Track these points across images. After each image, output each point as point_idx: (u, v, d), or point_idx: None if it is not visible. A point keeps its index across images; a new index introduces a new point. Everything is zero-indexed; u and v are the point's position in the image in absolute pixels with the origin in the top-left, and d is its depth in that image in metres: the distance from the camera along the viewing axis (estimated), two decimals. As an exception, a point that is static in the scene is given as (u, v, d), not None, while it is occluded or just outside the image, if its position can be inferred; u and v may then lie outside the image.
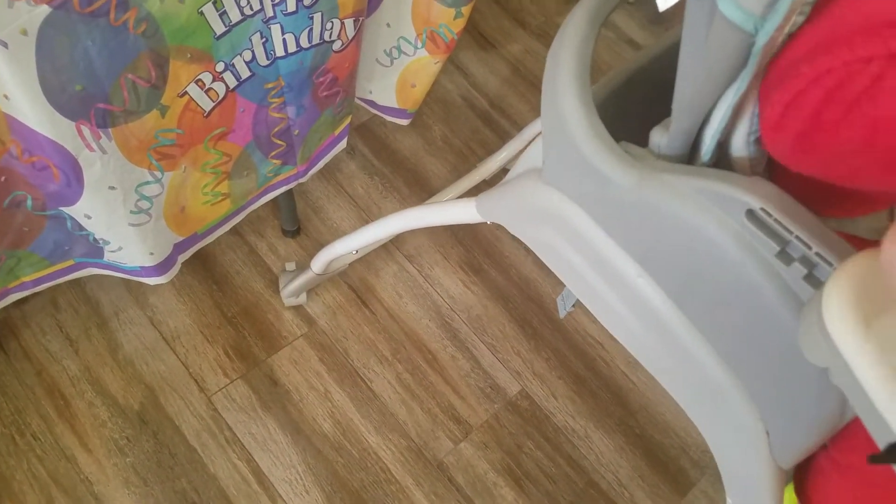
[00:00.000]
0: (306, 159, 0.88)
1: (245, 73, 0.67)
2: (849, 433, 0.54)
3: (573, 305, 0.81)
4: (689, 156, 0.51)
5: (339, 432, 0.99)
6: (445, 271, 1.15)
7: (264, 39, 0.65)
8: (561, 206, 0.57)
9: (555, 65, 0.54)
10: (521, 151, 1.21)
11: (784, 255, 0.44)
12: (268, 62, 0.67)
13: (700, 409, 0.59)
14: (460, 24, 0.79)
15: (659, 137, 0.51)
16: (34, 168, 0.61)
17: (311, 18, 0.65)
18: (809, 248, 0.43)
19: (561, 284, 1.16)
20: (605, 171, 0.50)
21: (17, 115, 0.57)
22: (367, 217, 1.17)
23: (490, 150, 1.24)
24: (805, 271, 0.44)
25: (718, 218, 0.46)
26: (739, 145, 0.49)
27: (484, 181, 1.21)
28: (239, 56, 0.65)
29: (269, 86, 0.70)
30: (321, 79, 0.73)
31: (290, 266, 1.06)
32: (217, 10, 0.61)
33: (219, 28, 0.62)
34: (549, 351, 1.11)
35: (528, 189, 0.61)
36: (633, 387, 1.11)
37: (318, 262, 0.94)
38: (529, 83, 1.37)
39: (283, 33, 0.65)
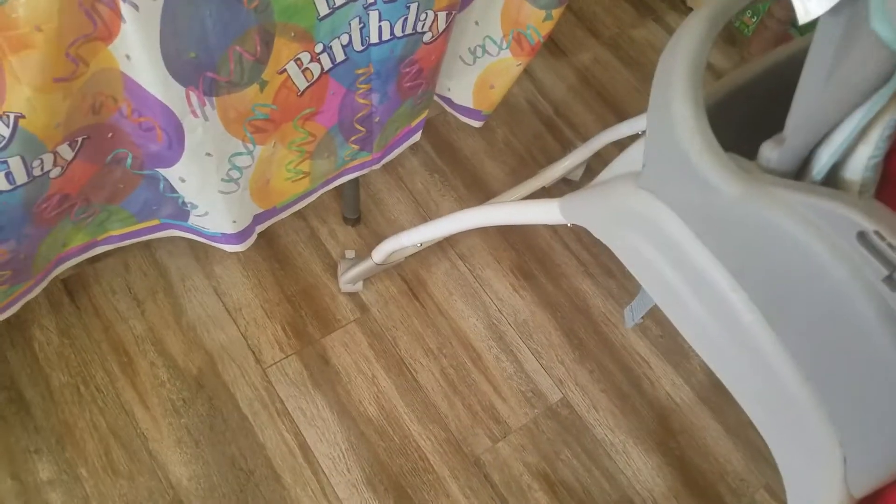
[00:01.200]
0: (382, 147, 0.92)
1: (340, 57, 0.70)
2: None
3: (642, 318, 0.81)
4: (798, 173, 0.52)
5: (382, 417, 1.01)
6: (496, 273, 1.17)
7: (362, 25, 0.69)
8: (657, 213, 0.57)
9: (669, 66, 0.54)
10: (584, 162, 1.23)
11: (892, 281, 0.44)
12: (362, 48, 0.71)
13: (776, 428, 0.58)
14: (549, 26, 0.82)
15: (769, 151, 0.51)
16: (140, 128, 0.65)
17: (408, 7, 0.69)
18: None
19: (614, 299, 1.17)
20: (712, 181, 0.50)
21: (135, 76, 0.61)
22: (424, 213, 1.20)
23: (550, 158, 1.26)
24: (887, 271, 0.44)
25: (827, 237, 0.46)
26: (856, 168, 0.49)
27: (543, 188, 1.23)
28: (337, 39, 0.68)
29: (360, 71, 0.74)
30: (408, 69, 0.77)
31: (350, 254, 1.09)
32: (324, -7, 0.64)
33: (323, 9, 0.65)
34: (594, 363, 1.12)
35: (622, 192, 0.62)
36: (677, 408, 1.10)
37: (380, 253, 0.97)
38: (596, 93, 1.39)
39: (380, 20, 0.69)
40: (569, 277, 1.20)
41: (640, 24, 1.52)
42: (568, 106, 1.36)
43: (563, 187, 1.28)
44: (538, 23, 0.81)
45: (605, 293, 1.19)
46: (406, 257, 1.11)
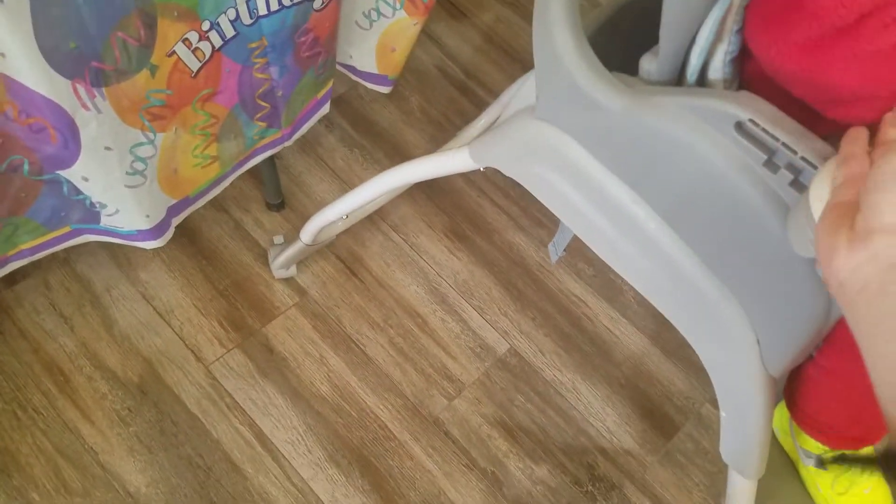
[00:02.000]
0: (290, 122, 0.91)
1: (230, 32, 0.70)
2: (832, 340, 0.58)
3: (564, 250, 0.85)
4: (676, 81, 0.55)
5: (336, 394, 1.02)
6: (430, 239, 1.19)
7: None
8: (556, 139, 0.60)
9: (545, 2, 0.57)
10: (499, 118, 1.25)
11: (771, 164, 0.48)
12: (251, 21, 0.70)
13: (694, 325, 0.62)
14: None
15: (648, 64, 0.55)
16: (31, 130, 0.63)
17: None
18: (795, 153, 0.47)
19: (546, 247, 1.21)
20: (598, 99, 0.53)
21: (14, 75, 0.59)
22: (349, 189, 1.19)
23: (468, 119, 1.27)
24: (791, 177, 0.47)
25: (708, 133, 0.50)
26: (717, 66, 0.52)
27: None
28: (223, 14, 0.68)
29: (253, 45, 0.73)
30: (303, 38, 0.77)
31: (279, 239, 1.08)
32: (201, -30, 0.64)
33: None
34: (535, 311, 1.16)
35: (522, 127, 0.64)
36: (617, 340, 1.15)
37: (308, 232, 0.97)
38: (503, 51, 1.41)
39: None
40: (501, 233, 1.22)
41: (537, -20, 1.55)
42: (477, 66, 1.38)
43: (483, 147, 1.30)
44: None
45: (538, 243, 1.22)
46: (337, 235, 1.11)
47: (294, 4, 0.72)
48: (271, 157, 1.06)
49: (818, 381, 0.60)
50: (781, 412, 0.75)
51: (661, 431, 1.08)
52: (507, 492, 1.00)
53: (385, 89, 1.05)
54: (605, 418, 1.08)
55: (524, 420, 1.06)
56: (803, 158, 0.47)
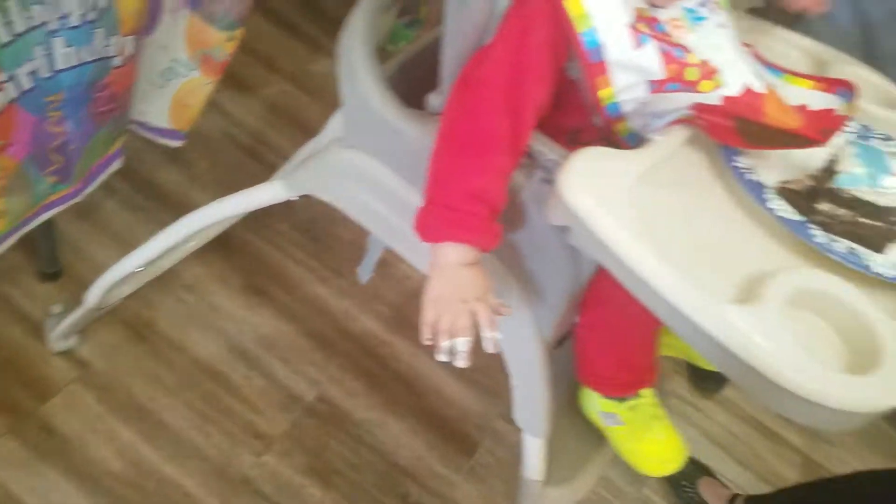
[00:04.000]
0: (82, 176, 0.90)
1: (27, 85, 0.69)
2: (585, 301, 0.71)
3: (373, 271, 0.92)
4: None
5: (131, 469, 0.97)
6: (228, 298, 1.20)
7: (47, 52, 0.69)
8: (363, 162, 0.71)
9: (349, 51, 0.68)
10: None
11: (530, 169, 0.61)
12: (49, 74, 0.71)
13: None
14: (232, 46, 0.90)
15: (434, 100, 0.66)
16: None
17: (93, 33, 0.70)
18: (548, 158, 0.59)
19: (348, 295, 1.28)
20: (398, 127, 0.65)
21: None
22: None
23: (258, 181, 1.33)
24: (544, 175, 0.60)
25: None
26: None
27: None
28: (22, 67, 0.67)
29: (50, 98, 0.73)
30: (100, 93, 0.78)
31: (57, 308, 1.02)
32: (3, 20, 0.63)
33: (4, 37, 0.64)
34: (342, 357, 1.21)
35: (334, 154, 0.74)
36: (418, 375, 1.24)
37: (95, 292, 0.94)
38: (289, 120, 1.49)
39: (66, 46, 0.70)
40: (302, 287, 1.27)
41: (315, 60, 1.66)
42: (265, 134, 1.44)
43: (276, 206, 1.35)
44: (222, 43, 0.89)
45: (339, 292, 1.29)
46: (124, 299, 1.08)
47: (94, 60, 0.73)
48: (48, 224, 1.01)
49: (585, 338, 0.74)
50: (581, 395, 0.87)
51: (464, 449, 1.18)
52: (325, 538, 1.02)
53: (177, 143, 1.07)
54: (413, 446, 1.15)
55: (337, 463, 1.09)
56: (546, 156, 0.60)
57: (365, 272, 0.92)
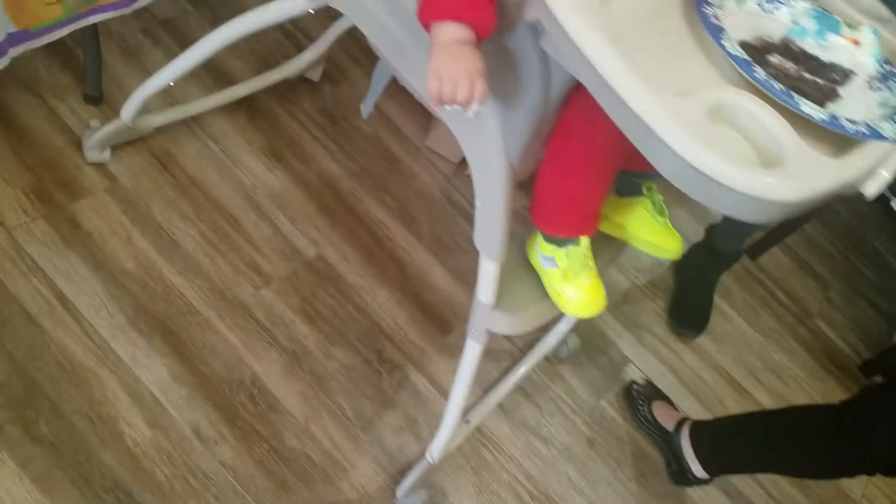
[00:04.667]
0: None
1: None
2: (553, 132, 0.79)
3: (374, 106, 1.02)
4: None
5: (142, 271, 1.10)
6: (249, 154, 1.33)
7: None
8: None
9: None
10: (323, 56, 1.43)
11: None
12: None
13: (461, 126, 0.79)
14: None
15: None
16: None
17: None
18: None
19: (357, 178, 1.39)
20: None
21: None
22: (170, 99, 1.30)
23: (290, 57, 1.44)
24: None
25: None
26: None
27: (286, 80, 1.41)
28: None
29: None
30: None
31: (95, 123, 1.16)
32: None
33: None
34: (343, 228, 1.34)
35: None
36: (412, 259, 1.37)
37: (131, 107, 1.07)
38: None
39: None
40: (317, 160, 1.40)
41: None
42: (302, 18, 1.55)
43: (304, 86, 1.47)
44: None
45: (350, 174, 1.41)
46: (154, 130, 1.21)
47: None
48: (96, 52, 1.14)
49: (545, 171, 0.83)
50: (528, 242, 0.97)
51: (440, 328, 1.30)
52: (305, 366, 1.14)
53: None
54: (396, 315, 1.27)
55: (325, 312, 1.22)
56: None
57: (367, 107, 1.02)
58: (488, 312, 0.89)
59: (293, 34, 1.54)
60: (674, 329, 1.59)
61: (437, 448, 1.05)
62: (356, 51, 1.59)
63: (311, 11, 0.90)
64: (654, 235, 0.94)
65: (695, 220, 1.77)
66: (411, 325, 1.29)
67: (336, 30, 1.40)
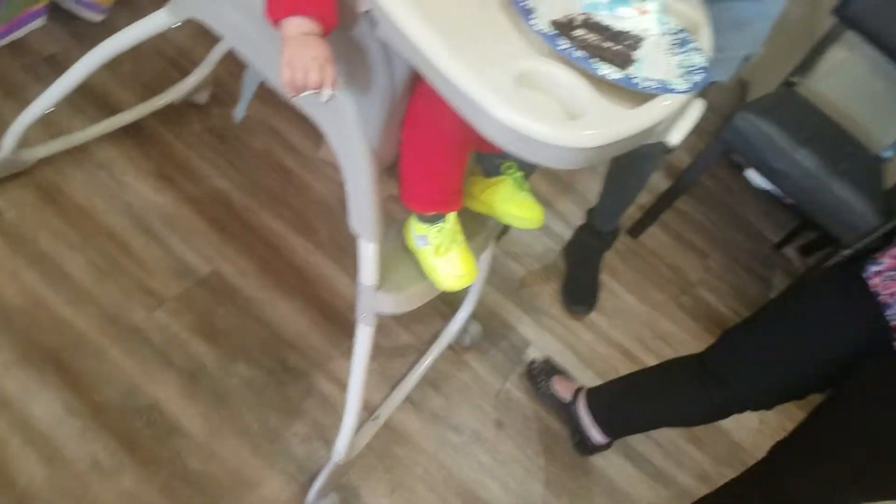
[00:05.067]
0: (8, 21, 1.03)
1: None
2: (405, 120, 0.86)
3: (245, 110, 1.07)
4: None
5: (29, 304, 1.11)
6: (137, 178, 1.34)
7: None
8: None
9: None
10: (208, 80, 1.46)
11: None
12: None
13: (325, 116, 0.85)
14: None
15: None
16: None
17: None
18: None
19: (249, 193, 1.43)
20: None
21: None
22: (54, 131, 1.29)
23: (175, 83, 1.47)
24: None
25: None
26: None
27: (171, 104, 1.43)
28: None
29: None
30: None
31: (-30, 160, 1.15)
32: None
33: None
34: (239, 243, 1.37)
35: None
36: (311, 267, 1.41)
37: (10, 138, 1.08)
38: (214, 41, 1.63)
39: None
40: (208, 179, 1.42)
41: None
42: (190, 51, 1.58)
43: (192, 109, 1.50)
44: None
45: (243, 190, 1.45)
46: (39, 162, 1.21)
47: None
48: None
49: (404, 155, 0.90)
50: (404, 226, 1.05)
51: (344, 331, 1.35)
52: (204, 384, 1.17)
53: (98, 17, 1.18)
54: (299, 322, 1.32)
55: (223, 327, 1.25)
56: None
57: (239, 112, 1.07)
58: (373, 294, 0.95)
59: (177, 61, 1.56)
60: (568, 307, 1.69)
61: (341, 444, 1.09)
62: (241, 72, 1.63)
63: (174, 26, 0.95)
64: (518, 208, 1.02)
65: (576, 206, 1.89)
66: (314, 332, 1.34)
67: (218, 53, 1.43)
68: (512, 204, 1.02)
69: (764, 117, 1.73)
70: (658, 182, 2.08)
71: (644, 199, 1.93)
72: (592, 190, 1.81)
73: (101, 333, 1.14)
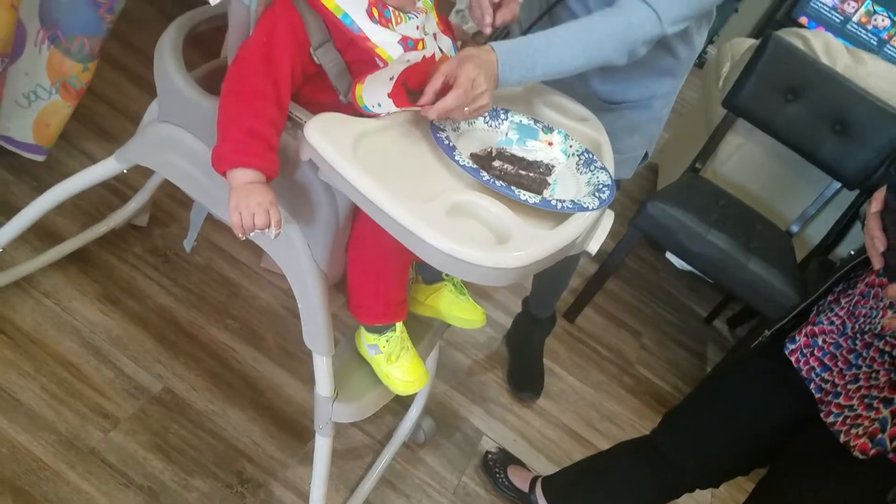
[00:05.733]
0: None
1: None
2: (350, 240, 1.00)
3: (195, 240, 1.21)
4: None
5: (-16, 436, 1.16)
6: (83, 303, 1.44)
7: None
8: (175, 132, 0.99)
9: (161, 52, 1.00)
10: (147, 204, 1.60)
11: (293, 128, 0.91)
12: None
13: (274, 245, 0.99)
14: (88, 76, 1.20)
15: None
16: None
17: None
18: (301, 119, 0.91)
19: (196, 308, 1.54)
20: (195, 102, 0.96)
21: None
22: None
23: (114, 209, 1.59)
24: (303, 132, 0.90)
25: None
26: None
27: (113, 230, 1.56)
28: None
29: None
30: None
31: (-80, 299, 1.23)
32: None
33: None
34: (187, 357, 1.47)
35: (153, 129, 1.03)
36: (261, 375, 1.52)
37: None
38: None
39: None
40: (153, 297, 1.53)
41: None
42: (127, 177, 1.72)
43: (133, 232, 1.63)
44: (79, 72, 1.20)
45: (188, 304, 1.56)
46: (-17, 297, 1.30)
47: None
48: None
49: (351, 272, 1.03)
50: (356, 336, 1.18)
51: (298, 438, 1.45)
52: (164, 502, 1.24)
53: (40, 157, 1.33)
54: (252, 433, 1.41)
55: (178, 443, 1.33)
56: (300, 118, 0.91)
57: (189, 242, 1.21)
58: (329, 405, 1.07)
59: (115, 187, 1.70)
60: (515, 395, 1.84)
61: (304, 554, 1.18)
62: (180, 194, 1.77)
63: (125, 171, 1.11)
64: (460, 311, 1.19)
65: (514, 294, 2.08)
66: (268, 440, 1.42)
67: (157, 179, 1.59)
68: (455, 307, 1.18)
69: (673, 203, 1.99)
70: (586, 266, 2.31)
71: (575, 282, 2.14)
72: (527, 279, 2.01)
73: (59, 458, 1.20)
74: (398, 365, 1.08)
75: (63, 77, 1.21)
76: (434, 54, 0.98)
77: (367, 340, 1.09)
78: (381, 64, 0.90)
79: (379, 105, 0.94)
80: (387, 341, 1.07)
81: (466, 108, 0.95)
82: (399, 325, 1.08)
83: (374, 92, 0.93)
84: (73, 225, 1.57)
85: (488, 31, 1.08)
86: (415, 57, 0.93)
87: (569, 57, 1.03)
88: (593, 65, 1.07)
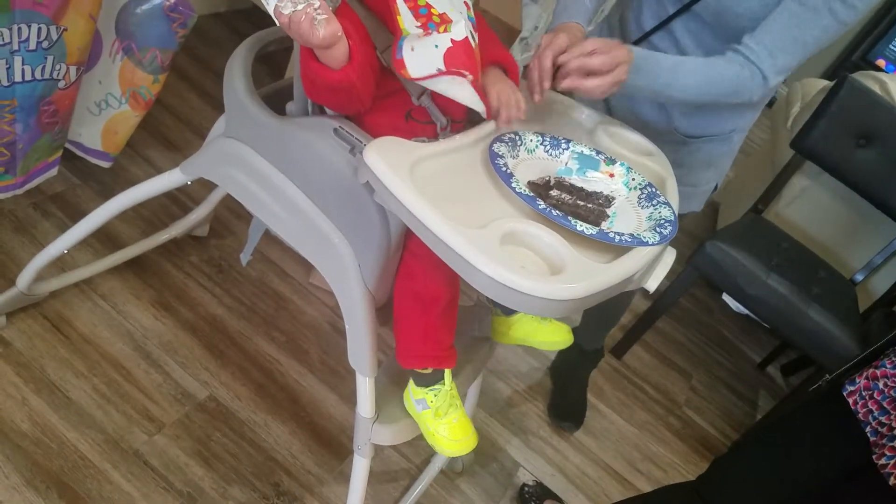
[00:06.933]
0: (25, 173, 1.22)
1: None
2: (398, 273, 1.01)
3: (252, 254, 1.24)
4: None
5: (37, 430, 1.22)
6: (138, 308, 1.50)
7: (8, 66, 1.04)
8: (241, 150, 1.04)
9: (231, 70, 1.05)
10: (209, 216, 1.66)
11: (353, 151, 0.95)
12: (7, 84, 1.05)
13: (325, 262, 1.03)
14: (157, 87, 1.27)
15: (290, 107, 1.02)
16: None
17: (46, 58, 1.06)
18: (361, 142, 0.94)
19: (246, 319, 1.59)
20: (260, 120, 1.00)
21: None
22: (62, 264, 1.47)
23: (175, 219, 1.66)
24: (358, 152, 0.94)
25: (320, 135, 0.96)
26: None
27: (174, 239, 1.62)
28: None
29: (5, 103, 1.07)
30: (46, 107, 1.12)
31: (-11, 293, 1.30)
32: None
33: None
34: (234, 367, 1.51)
35: (218, 144, 1.08)
36: (304, 389, 1.55)
37: (26, 275, 1.24)
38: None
39: (23, 64, 1.05)
40: (205, 306, 1.59)
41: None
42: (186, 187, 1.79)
43: (191, 242, 1.69)
44: (149, 84, 1.26)
45: (238, 315, 1.61)
46: (48, 295, 1.36)
47: (44, 79, 1.09)
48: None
49: (398, 307, 1.03)
50: (405, 393, 1.18)
51: (336, 455, 1.47)
52: (201, 507, 1.27)
53: (106, 164, 1.40)
54: (291, 446, 1.43)
55: (219, 451, 1.36)
56: (360, 141, 0.95)
57: (245, 256, 1.25)
58: (369, 426, 1.09)
59: (176, 197, 1.77)
60: (555, 424, 1.82)
61: (336, 572, 1.19)
62: (239, 207, 1.83)
63: (189, 183, 1.16)
64: (544, 335, 1.20)
65: (561, 327, 2.08)
66: (307, 455, 1.45)
67: (221, 191, 1.65)
68: (539, 333, 1.19)
69: (734, 244, 1.96)
70: (638, 303, 2.28)
71: (626, 318, 2.12)
72: (578, 311, 2.00)
73: (104, 457, 1.25)
74: (446, 422, 1.06)
75: (133, 87, 1.28)
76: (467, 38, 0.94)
77: (415, 395, 1.08)
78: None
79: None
80: (435, 395, 1.06)
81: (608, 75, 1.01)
82: (448, 380, 1.07)
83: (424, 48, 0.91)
84: (134, 231, 1.64)
85: (537, 99, 1.08)
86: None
87: (691, 83, 1.12)
88: (701, 100, 1.15)
